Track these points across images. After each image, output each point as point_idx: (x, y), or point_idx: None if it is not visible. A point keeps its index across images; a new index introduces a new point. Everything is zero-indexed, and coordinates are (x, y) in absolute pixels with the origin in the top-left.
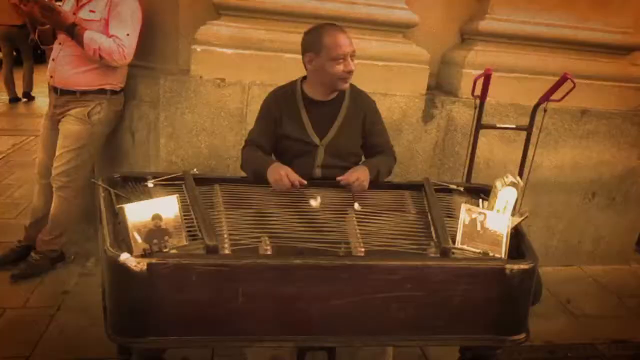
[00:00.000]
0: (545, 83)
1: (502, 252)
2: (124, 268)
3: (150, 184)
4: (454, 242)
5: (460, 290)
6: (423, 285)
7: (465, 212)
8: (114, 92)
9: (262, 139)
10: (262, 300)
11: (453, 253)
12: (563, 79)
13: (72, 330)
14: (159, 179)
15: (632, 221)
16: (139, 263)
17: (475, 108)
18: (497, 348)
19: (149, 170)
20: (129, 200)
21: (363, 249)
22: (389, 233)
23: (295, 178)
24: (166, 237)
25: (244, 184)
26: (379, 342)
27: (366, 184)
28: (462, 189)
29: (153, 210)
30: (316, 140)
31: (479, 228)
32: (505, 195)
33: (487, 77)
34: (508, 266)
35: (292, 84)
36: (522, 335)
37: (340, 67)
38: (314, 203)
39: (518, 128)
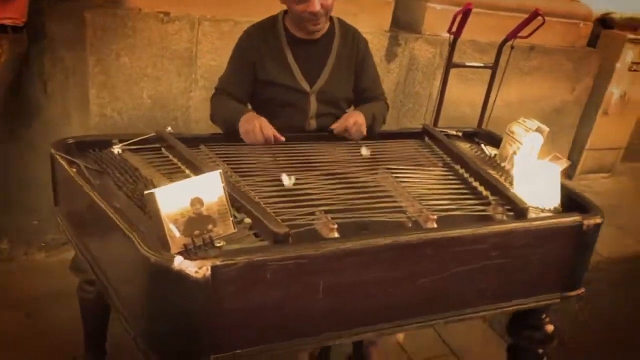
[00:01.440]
0: (500, 19)
1: (558, 204)
2: (178, 276)
3: (117, 149)
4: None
5: (539, 252)
6: (507, 251)
7: (519, 163)
8: (16, 29)
9: (234, 87)
10: (345, 291)
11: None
12: (533, 15)
13: (9, 332)
14: (128, 142)
15: (560, 152)
16: (200, 268)
17: (449, 45)
18: (553, 305)
19: (71, 129)
20: (104, 174)
21: (435, 217)
22: (439, 193)
23: (271, 132)
24: (210, 226)
25: (236, 142)
26: (460, 318)
27: (364, 129)
28: (460, 134)
29: (191, 192)
30: (306, 86)
31: (532, 179)
32: (531, 142)
33: (465, 13)
34: (585, 222)
35: (272, 19)
36: (582, 289)
37: (301, 7)
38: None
39: (485, 66)
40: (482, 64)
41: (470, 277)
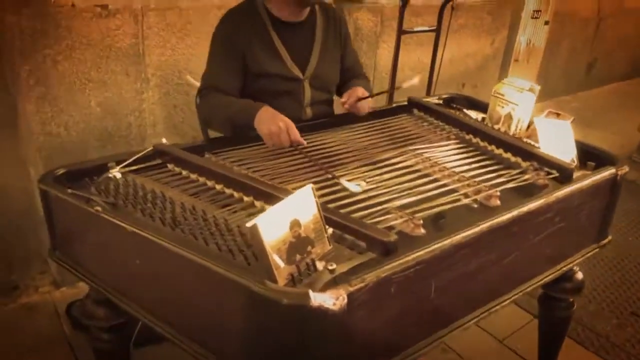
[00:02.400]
0: None
1: (575, 157)
2: (313, 313)
3: (117, 173)
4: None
5: (586, 208)
6: (566, 214)
7: (541, 125)
8: None
9: (227, 82)
10: (452, 285)
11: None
12: None
13: None
14: (126, 162)
15: None
16: (337, 298)
17: (399, 12)
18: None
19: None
20: (119, 205)
21: (498, 194)
22: (476, 167)
23: (299, 136)
24: (308, 247)
25: (242, 144)
26: (534, 286)
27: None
28: (441, 101)
29: (288, 215)
30: (298, 73)
31: (552, 138)
32: (526, 101)
33: None
34: (619, 172)
35: (249, 2)
36: (610, 236)
37: None
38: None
39: (430, 30)
40: (427, 28)
41: (540, 246)
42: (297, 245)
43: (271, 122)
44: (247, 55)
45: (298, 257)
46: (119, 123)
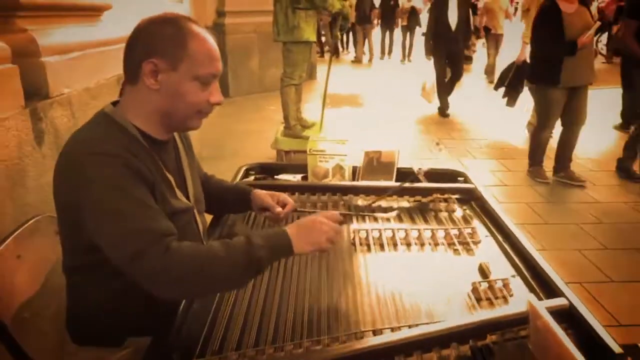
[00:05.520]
0: None
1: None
2: None
3: None
4: None
5: None
6: None
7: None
8: None
9: (168, 223)
10: None
11: None
12: None
13: None
14: None
15: None
16: None
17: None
18: None
19: None
20: None
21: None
22: (418, 218)
23: (336, 216)
24: None
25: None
26: None
27: None
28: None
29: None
30: (187, 201)
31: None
32: (349, 150)
33: None
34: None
35: (109, 122)
36: None
37: (204, 95)
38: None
39: None
40: None
41: None
42: None
43: (315, 231)
44: (155, 191)
45: None
46: None
